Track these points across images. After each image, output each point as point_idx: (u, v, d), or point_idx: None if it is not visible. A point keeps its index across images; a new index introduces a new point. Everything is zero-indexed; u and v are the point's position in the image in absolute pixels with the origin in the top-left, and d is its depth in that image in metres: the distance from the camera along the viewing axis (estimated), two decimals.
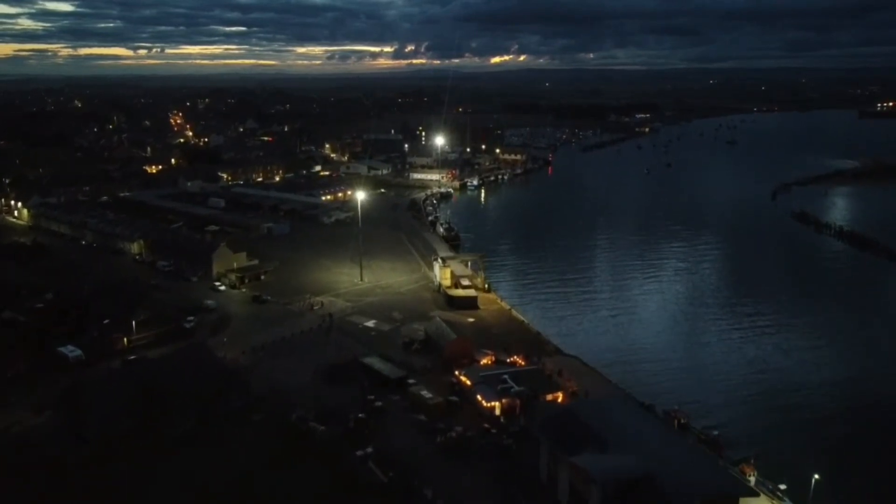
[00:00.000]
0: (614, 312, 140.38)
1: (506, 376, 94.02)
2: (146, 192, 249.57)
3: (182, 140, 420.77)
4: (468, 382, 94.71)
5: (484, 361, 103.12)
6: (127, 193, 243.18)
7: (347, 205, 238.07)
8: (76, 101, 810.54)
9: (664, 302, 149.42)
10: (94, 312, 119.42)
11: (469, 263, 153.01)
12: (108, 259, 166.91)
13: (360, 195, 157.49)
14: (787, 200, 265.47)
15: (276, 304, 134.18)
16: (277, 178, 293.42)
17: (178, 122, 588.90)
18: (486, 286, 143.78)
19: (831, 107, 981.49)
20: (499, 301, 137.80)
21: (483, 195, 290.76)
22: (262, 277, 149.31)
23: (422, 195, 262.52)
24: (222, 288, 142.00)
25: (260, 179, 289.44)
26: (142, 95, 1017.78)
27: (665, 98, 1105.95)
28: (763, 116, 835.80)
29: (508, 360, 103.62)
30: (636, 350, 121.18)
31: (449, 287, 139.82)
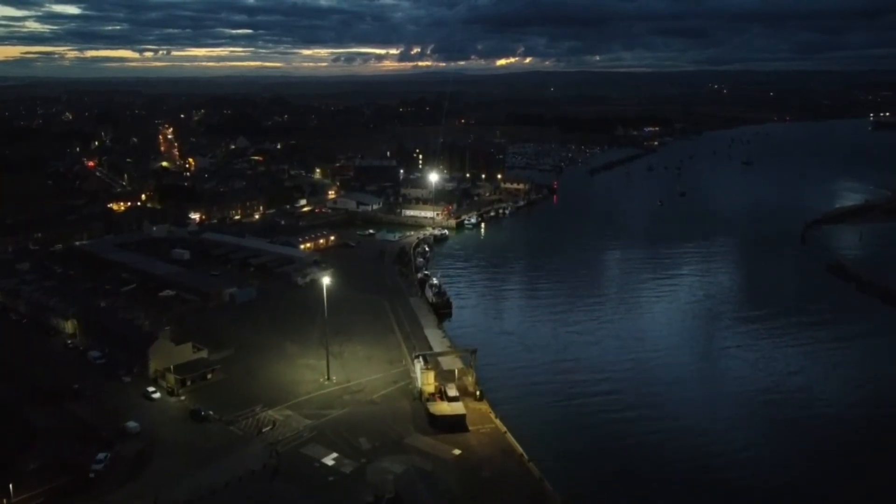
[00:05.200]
0: (630, 424, 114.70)
1: None
2: (107, 237, 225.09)
3: (165, 164, 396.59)
4: None
5: None
6: (84, 242, 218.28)
7: (329, 252, 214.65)
8: (68, 114, 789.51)
9: (690, 413, 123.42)
10: None
11: (458, 358, 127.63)
12: (36, 343, 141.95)
13: (326, 280, 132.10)
14: (819, 244, 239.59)
15: (218, 422, 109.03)
16: (257, 216, 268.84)
17: (168, 137, 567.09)
18: (478, 392, 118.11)
19: (844, 115, 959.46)
20: (492, 417, 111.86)
21: (482, 233, 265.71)
22: (209, 377, 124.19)
23: (413, 239, 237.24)
24: (156, 395, 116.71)
25: (238, 217, 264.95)
26: (139, 104, 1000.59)
27: (673, 104, 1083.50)
28: (776, 127, 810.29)
29: None
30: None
31: (431, 396, 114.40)
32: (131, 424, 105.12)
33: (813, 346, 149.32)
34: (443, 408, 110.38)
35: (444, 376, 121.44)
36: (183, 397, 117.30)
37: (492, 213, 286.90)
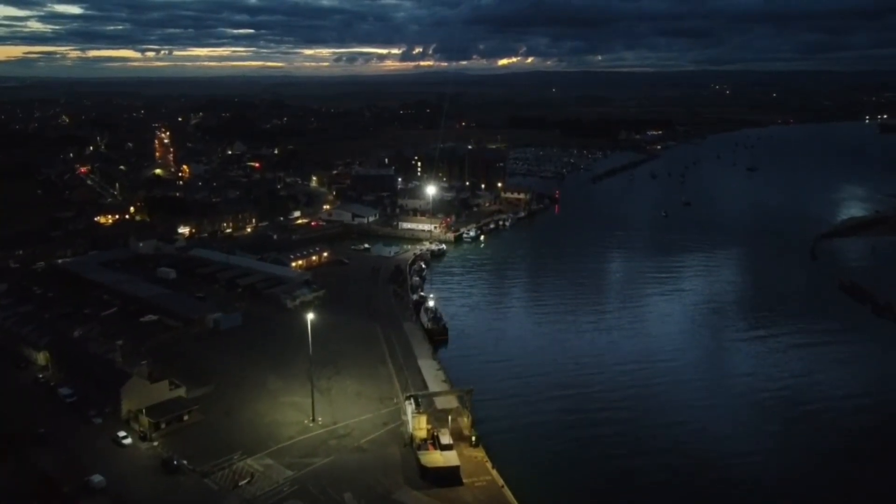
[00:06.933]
0: (638, 466, 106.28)
1: None
2: (92, 254, 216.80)
3: (158, 171, 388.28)
4: None
5: None
6: (68, 259, 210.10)
7: (321, 270, 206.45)
8: (65, 117, 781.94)
9: (703, 450, 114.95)
10: None
11: (452, 396, 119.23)
12: (3, 376, 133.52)
13: (310, 316, 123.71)
14: (830, 259, 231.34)
15: (192, 473, 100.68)
16: (249, 229, 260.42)
17: (164, 142, 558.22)
18: (473, 438, 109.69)
19: (848, 117, 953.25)
20: (488, 467, 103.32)
21: (482, 247, 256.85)
22: (186, 418, 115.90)
23: (409, 255, 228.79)
24: (127, 441, 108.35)
25: (229, 231, 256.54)
26: (138, 106, 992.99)
27: (675, 105, 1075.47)
28: (780, 130, 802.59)
29: None
30: None
31: (423, 442, 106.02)
32: (96, 479, 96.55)
33: (829, 376, 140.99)
34: (435, 458, 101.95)
35: (437, 417, 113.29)
36: (156, 443, 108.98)
37: (491, 226, 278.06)
